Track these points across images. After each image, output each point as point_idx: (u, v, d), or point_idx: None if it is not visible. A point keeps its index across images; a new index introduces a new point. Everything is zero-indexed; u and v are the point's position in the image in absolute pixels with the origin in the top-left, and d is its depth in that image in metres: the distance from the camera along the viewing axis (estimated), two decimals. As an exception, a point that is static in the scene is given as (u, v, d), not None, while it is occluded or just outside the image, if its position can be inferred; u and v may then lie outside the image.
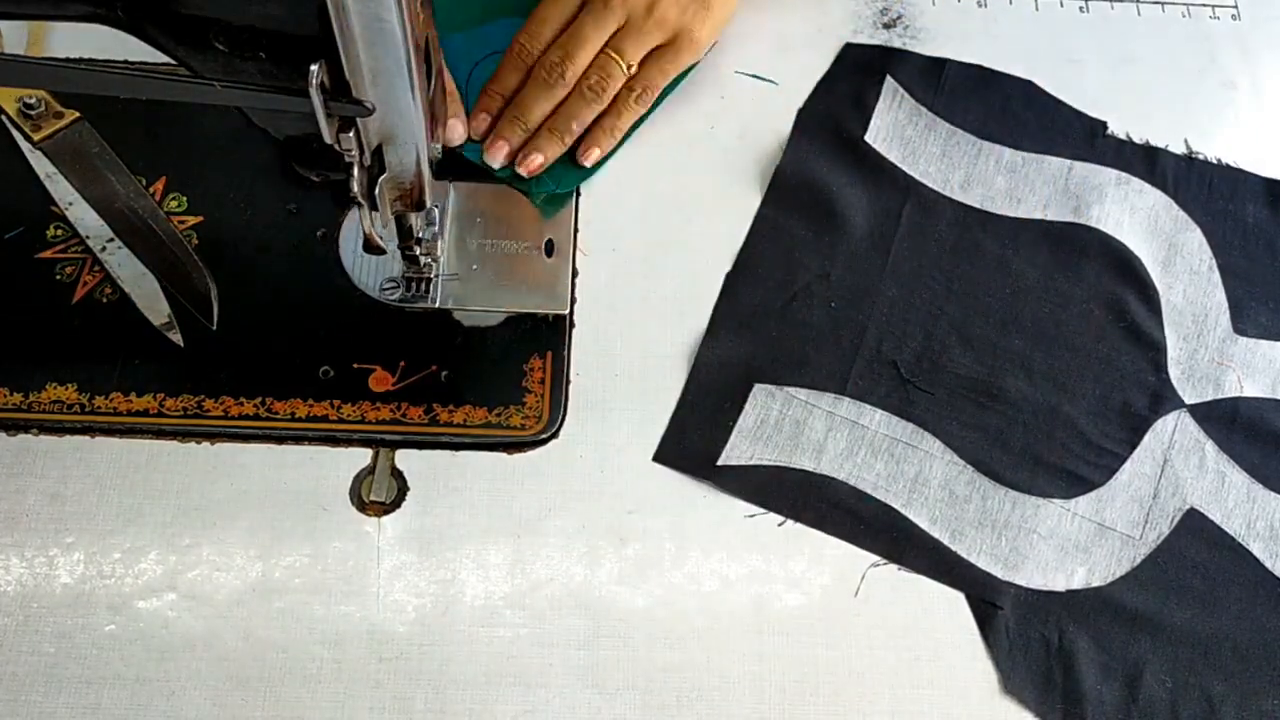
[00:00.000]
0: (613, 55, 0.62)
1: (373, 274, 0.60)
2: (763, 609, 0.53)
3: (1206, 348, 0.61)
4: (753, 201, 0.63)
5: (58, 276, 0.59)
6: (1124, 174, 0.65)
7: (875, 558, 0.55)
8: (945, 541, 0.55)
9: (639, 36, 0.62)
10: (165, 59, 0.43)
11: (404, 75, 0.42)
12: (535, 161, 0.61)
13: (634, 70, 0.62)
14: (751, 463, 0.56)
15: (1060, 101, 0.67)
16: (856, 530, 0.55)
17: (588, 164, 0.62)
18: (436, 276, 0.59)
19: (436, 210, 0.55)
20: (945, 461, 0.57)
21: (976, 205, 0.64)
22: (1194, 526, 0.56)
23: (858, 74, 0.67)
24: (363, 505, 0.55)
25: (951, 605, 0.54)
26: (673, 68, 0.63)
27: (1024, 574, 0.55)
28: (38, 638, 0.51)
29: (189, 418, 0.56)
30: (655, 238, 0.62)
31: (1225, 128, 0.68)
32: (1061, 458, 0.57)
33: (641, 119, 0.64)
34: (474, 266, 0.60)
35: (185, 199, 0.61)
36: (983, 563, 0.55)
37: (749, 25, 0.68)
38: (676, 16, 0.62)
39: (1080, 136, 0.66)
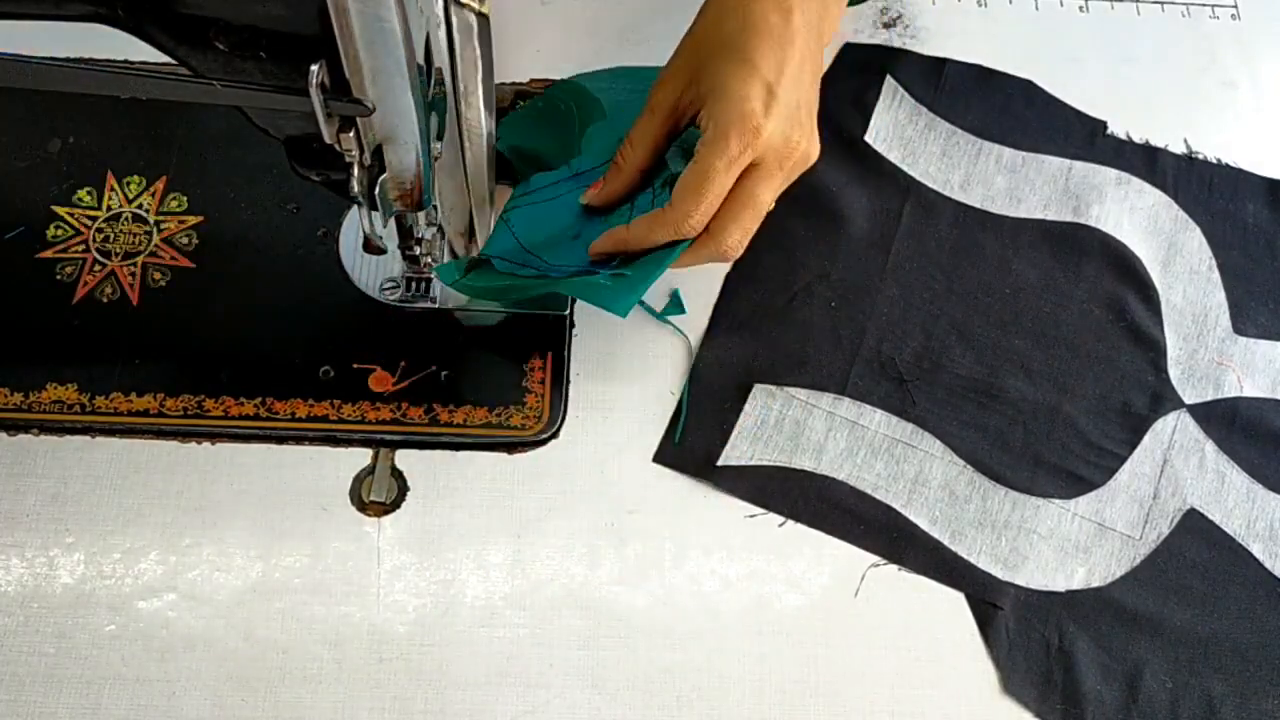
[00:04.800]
0: (752, 207, 0.52)
1: (373, 274, 0.60)
2: (763, 609, 0.53)
3: (1206, 348, 0.61)
4: (753, 201, 0.63)
5: (58, 276, 0.59)
6: (1124, 174, 0.65)
7: (875, 558, 0.55)
8: (945, 542, 0.55)
9: (776, 179, 0.53)
10: (165, 59, 0.43)
11: (404, 75, 0.42)
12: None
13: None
14: (751, 463, 0.56)
15: (1060, 101, 0.67)
16: (856, 530, 0.55)
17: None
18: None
19: (436, 209, 0.55)
20: (945, 461, 0.57)
21: (976, 205, 0.64)
22: (1194, 526, 0.56)
23: (857, 73, 0.67)
24: (363, 505, 0.55)
25: (951, 605, 0.54)
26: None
27: (1024, 574, 0.55)
28: (38, 638, 0.51)
29: (189, 418, 0.56)
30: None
31: (1225, 128, 0.68)
32: (1061, 458, 0.57)
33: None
34: None
35: (185, 199, 0.61)
36: (983, 563, 0.55)
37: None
38: (807, 143, 0.53)
39: (1080, 136, 0.66)
